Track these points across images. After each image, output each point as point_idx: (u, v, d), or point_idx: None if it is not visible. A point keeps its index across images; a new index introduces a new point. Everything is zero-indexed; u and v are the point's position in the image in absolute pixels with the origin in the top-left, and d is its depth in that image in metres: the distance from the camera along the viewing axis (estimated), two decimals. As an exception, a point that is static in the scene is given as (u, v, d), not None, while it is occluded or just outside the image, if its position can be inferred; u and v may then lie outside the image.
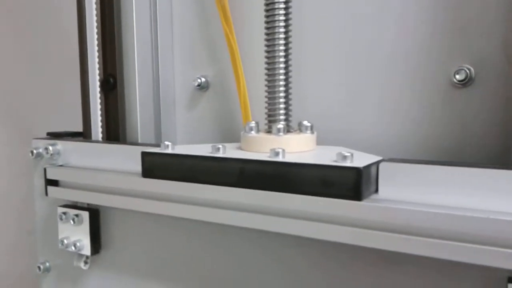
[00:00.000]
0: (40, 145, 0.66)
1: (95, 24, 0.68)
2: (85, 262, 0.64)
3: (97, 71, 0.69)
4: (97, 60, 0.69)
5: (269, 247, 0.49)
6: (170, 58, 0.71)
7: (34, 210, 0.69)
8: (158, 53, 0.69)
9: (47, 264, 0.69)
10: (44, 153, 0.65)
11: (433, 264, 0.40)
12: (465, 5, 0.50)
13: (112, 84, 0.68)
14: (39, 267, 0.68)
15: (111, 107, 0.69)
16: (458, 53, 0.50)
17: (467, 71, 0.49)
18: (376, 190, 0.42)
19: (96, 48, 0.68)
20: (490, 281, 0.38)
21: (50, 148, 0.64)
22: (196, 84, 0.68)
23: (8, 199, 1.19)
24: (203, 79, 0.68)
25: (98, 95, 0.69)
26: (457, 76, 0.50)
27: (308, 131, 0.51)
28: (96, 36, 0.68)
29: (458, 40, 0.50)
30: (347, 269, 0.45)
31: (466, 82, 0.50)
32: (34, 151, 0.66)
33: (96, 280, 0.64)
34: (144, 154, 0.52)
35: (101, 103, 0.69)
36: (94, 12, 0.68)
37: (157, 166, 0.52)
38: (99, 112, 0.69)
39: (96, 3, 0.67)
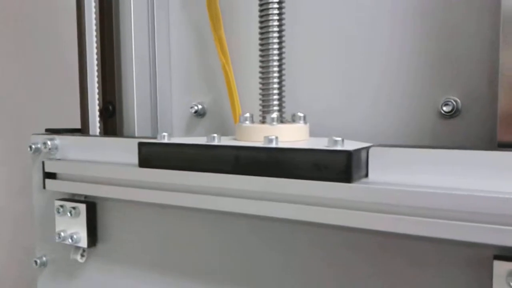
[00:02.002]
0: (39, 140, 0.67)
1: (95, 52, 0.70)
2: (82, 255, 0.65)
3: (97, 100, 0.71)
4: (96, 88, 0.71)
5: (266, 233, 0.50)
6: (168, 86, 0.74)
7: (31, 219, 0.70)
8: (156, 81, 0.72)
9: (44, 258, 0.69)
10: (42, 147, 0.66)
11: (419, 245, 0.41)
12: (452, 39, 0.52)
13: (111, 111, 0.71)
14: (35, 262, 0.69)
15: (110, 133, 0.72)
16: (446, 85, 0.53)
17: (454, 103, 0.52)
18: (366, 175, 0.44)
19: (96, 77, 0.71)
20: (475, 261, 0.39)
21: (49, 142, 0.65)
22: (193, 111, 0.70)
23: (6, 216, 1.18)
24: (199, 106, 0.70)
25: (98, 123, 0.71)
26: (444, 108, 0.52)
27: (301, 121, 0.52)
28: (96, 66, 0.71)
29: (446, 73, 0.53)
30: (339, 250, 0.46)
31: (453, 114, 0.52)
32: (33, 146, 0.67)
33: (92, 273, 0.65)
34: (140, 144, 0.53)
35: (100, 131, 0.72)
36: (94, 39, 0.70)
37: (153, 156, 0.53)
38: None
39: (96, 30, 0.70)
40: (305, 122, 0.53)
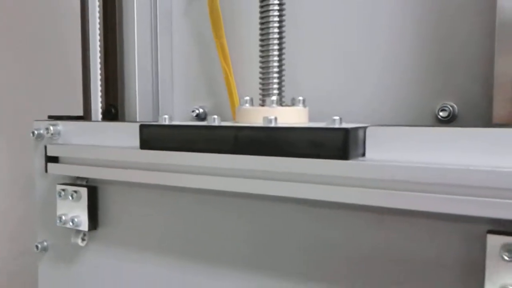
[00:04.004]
0: (41, 126, 0.68)
1: (98, 55, 0.72)
2: (83, 239, 0.66)
3: (100, 103, 0.73)
4: (99, 91, 0.72)
5: (266, 211, 0.51)
6: (170, 89, 0.75)
7: (31, 221, 0.71)
8: (158, 84, 0.73)
9: (45, 243, 0.70)
10: (44, 133, 0.67)
11: (413, 222, 0.42)
12: (448, 44, 0.54)
13: (114, 114, 0.72)
14: (36, 246, 0.70)
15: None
16: (442, 91, 0.54)
17: (450, 108, 0.53)
18: (364, 154, 0.44)
19: (99, 80, 0.72)
20: (469, 236, 0.40)
21: (51, 128, 0.66)
22: (195, 114, 0.71)
23: (4, 219, 1.18)
24: (201, 110, 0.72)
25: None
26: (441, 113, 0.54)
27: (300, 105, 0.53)
28: (99, 69, 0.72)
29: (442, 79, 0.54)
30: (338, 226, 0.47)
31: (450, 119, 0.53)
32: (35, 132, 0.68)
33: (93, 256, 0.66)
34: (142, 126, 0.54)
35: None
36: (98, 43, 0.72)
37: (154, 137, 0.53)
38: None
39: (99, 34, 0.72)
40: (304, 106, 0.54)
